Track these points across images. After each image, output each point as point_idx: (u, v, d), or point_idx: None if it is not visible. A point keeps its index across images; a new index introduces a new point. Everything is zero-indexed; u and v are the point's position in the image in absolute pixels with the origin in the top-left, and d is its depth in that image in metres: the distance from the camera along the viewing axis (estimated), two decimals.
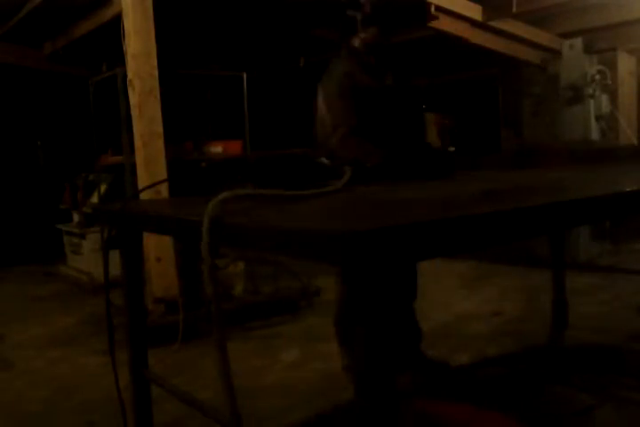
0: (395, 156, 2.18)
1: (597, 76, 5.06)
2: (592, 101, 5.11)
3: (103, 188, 4.87)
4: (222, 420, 1.53)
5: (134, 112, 3.46)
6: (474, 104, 7.20)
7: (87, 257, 5.06)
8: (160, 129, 3.47)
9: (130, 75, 3.44)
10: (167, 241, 3.51)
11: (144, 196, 2.93)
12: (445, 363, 2.80)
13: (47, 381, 2.93)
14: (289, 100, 7.06)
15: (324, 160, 1.74)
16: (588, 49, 5.18)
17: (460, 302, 3.91)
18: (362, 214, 1.26)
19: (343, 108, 2.38)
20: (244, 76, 4.61)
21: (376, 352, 0.96)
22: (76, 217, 5.49)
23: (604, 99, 5.17)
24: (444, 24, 4.62)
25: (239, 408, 1.20)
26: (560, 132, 5.25)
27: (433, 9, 4.36)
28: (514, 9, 4.59)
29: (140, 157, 3.46)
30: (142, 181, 3.45)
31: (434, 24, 4.47)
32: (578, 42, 5.19)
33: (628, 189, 1.44)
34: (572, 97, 5.13)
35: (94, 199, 5.10)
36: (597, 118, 5.15)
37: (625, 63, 5.72)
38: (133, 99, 3.45)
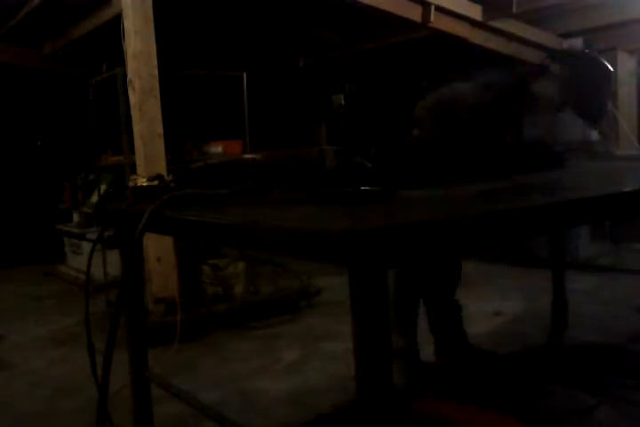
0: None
1: None
2: None
3: (103, 188, 4.86)
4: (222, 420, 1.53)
5: (134, 112, 3.46)
6: None
7: (87, 257, 5.05)
8: (160, 129, 3.47)
9: (130, 75, 3.44)
10: (167, 241, 3.51)
11: None
12: (491, 352, 2.89)
13: (47, 381, 2.93)
14: (289, 100, 7.06)
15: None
16: (588, 49, 5.18)
17: (460, 302, 3.90)
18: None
19: None
20: (244, 76, 4.61)
21: (376, 351, 0.96)
22: (75, 217, 5.49)
23: None
24: (444, 24, 4.61)
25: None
26: (560, 133, 5.24)
27: (433, 9, 4.36)
28: (514, 9, 4.58)
29: (139, 157, 3.46)
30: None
31: (434, 24, 4.47)
32: (578, 42, 5.19)
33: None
34: None
35: (94, 199, 5.10)
36: None
37: (625, 63, 5.71)
38: (133, 99, 3.45)
